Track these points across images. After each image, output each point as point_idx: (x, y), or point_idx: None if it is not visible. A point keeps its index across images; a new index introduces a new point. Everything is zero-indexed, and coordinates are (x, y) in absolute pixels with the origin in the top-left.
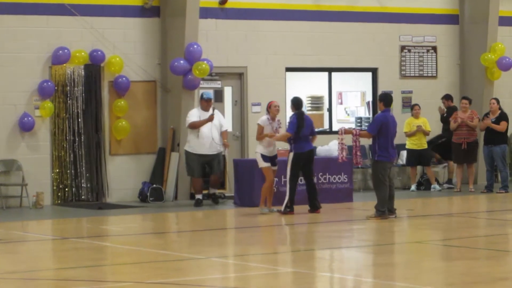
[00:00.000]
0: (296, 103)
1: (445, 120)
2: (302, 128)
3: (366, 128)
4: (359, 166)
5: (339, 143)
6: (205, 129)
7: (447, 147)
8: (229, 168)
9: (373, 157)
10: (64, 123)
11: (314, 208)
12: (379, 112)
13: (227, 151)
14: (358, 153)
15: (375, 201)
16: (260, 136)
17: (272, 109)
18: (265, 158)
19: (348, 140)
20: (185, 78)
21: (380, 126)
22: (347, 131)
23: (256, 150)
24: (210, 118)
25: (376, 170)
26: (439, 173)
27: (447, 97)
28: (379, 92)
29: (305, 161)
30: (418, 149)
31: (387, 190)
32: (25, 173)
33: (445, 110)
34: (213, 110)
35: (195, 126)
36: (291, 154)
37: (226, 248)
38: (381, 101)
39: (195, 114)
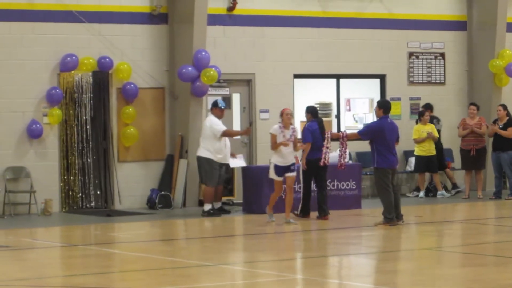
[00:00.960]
0: (315, 111)
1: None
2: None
3: (358, 131)
4: (343, 168)
5: (325, 147)
6: (226, 138)
7: (438, 158)
8: (238, 175)
9: (372, 164)
10: (72, 130)
11: (323, 214)
12: (376, 119)
13: (241, 160)
14: (344, 156)
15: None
16: (276, 145)
17: (284, 117)
18: (278, 169)
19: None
20: (193, 85)
21: (373, 134)
22: (334, 135)
23: (271, 160)
24: (248, 131)
25: (378, 177)
26: (446, 180)
27: (427, 106)
28: (388, 98)
29: (318, 167)
30: (426, 155)
31: (392, 196)
32: (33, 180)
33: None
34: (250, 125)
35: (230, 135)
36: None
37: (235, 255)
38: (381, 108)
39: (220, 123)
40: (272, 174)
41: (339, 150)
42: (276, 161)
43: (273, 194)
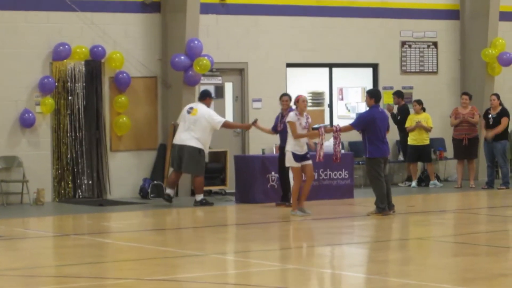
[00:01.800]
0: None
1: (397, 121)
2: None
3: (351, 123)
4: (338, 161)
5: (319, 143)
6: None
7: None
8: (230, 165)
9: (365, 154)
10: (64, 119)
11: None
12: (367, 108)
13: None
14: (338, 149)
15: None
16: (299, 135)
17: (300, 104)
18: (296, 157)
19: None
20: (186, 74)
21: (365, 124)
22: (327, 130)
23: (287, 149)
24: (249, 126)
25: (370, 166)
26: (440, 169)
27: (398, 94)
28: (381, 87)
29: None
30: (418, 144)
31: (384, 185)
32: (25, 170)
33: (395, 108)
34: (255, 122)
35: (231, 127)
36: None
37: (227, 244)
38: (372, 97)
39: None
40: (291, 162)
41: (334, 144)
42: (293, 149)
43: (295, 186)
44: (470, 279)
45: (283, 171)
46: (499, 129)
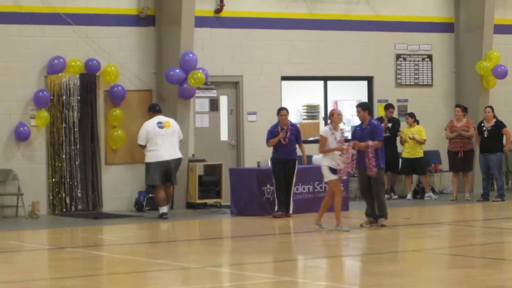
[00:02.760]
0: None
1: (391, 132)
2: None
3: (376, 138)
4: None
5: (347, 158)
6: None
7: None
8: (225, 178)
9: (378, 165)
10: (59, 132)
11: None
12: (370, 120)
13: None
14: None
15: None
16: (328, 149)
17: (335, 118)
18: (332, 170)
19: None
20: (180, 87)
21: None
22: (358, 146)
23: (322, 164)
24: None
25: (380, 176)
26: (435, 182)
27: (387, 107)
28: (375, 100)
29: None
30: (411, 157)
31: None
32: (21, 183)
33: (387, 121)
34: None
35: None
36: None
37: (222, 257)
38: (366, 109)
39: None
40: (329, 176)
41: (352, 156)
42: (329, 163)
43: (336, 199)
44: None
45: (278, 182)
46: (509, 139)
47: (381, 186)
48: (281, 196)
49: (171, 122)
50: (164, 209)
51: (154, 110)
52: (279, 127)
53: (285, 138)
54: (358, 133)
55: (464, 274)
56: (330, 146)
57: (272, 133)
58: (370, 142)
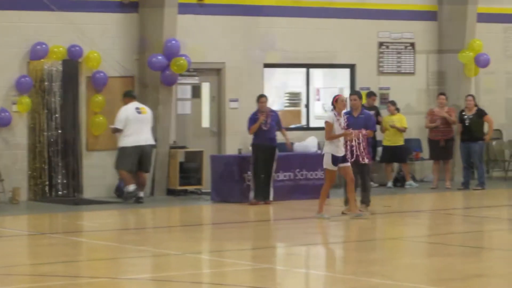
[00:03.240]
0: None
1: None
2: None
3: (370, 127)
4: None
5: (355, 144)
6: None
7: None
8: (206, 164)
9: (369, 155)
10: (41, 118)
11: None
12: (362, 109)
13: None
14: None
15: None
16: (334, 135)
17: (338, 104)
18: (335, 159)
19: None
20: (163, 74)
21: None
22: (355, 134)
23: (325, 151)
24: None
25: (370, 168)
26: (416, 170)
27: (369, 95)
28: (357, 88)
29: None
30: (391, 145)
31: None
32: (1, 169)
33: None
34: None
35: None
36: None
37: (202, 244)
38: (361, 98)
39: None
40: (329, 165)
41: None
42: (332, 151)
43: (325, 187)
44: (445, 279)
45: (257, 168)
46: (491, 130)
47: (369, 175)
48: (257, 183)
49: (146, 109)
50: (140, 193)
51: (130, 95)
52: (259, 114)
53: (266, 123)
54: (350, 121)
55: (444, 262)
56: (336, 132)
57: (253, 120)
58: (364, 131)
